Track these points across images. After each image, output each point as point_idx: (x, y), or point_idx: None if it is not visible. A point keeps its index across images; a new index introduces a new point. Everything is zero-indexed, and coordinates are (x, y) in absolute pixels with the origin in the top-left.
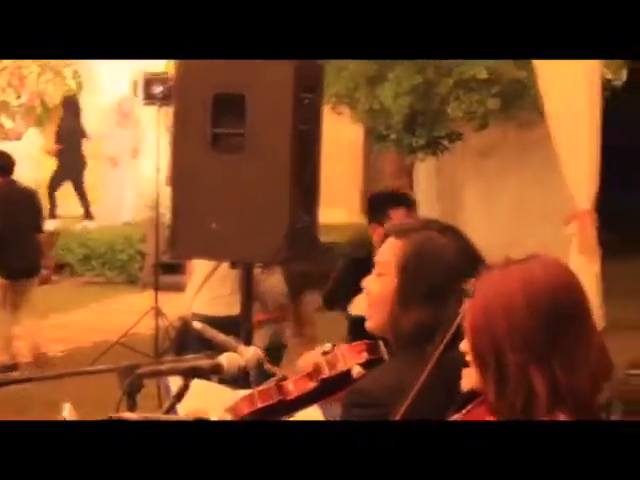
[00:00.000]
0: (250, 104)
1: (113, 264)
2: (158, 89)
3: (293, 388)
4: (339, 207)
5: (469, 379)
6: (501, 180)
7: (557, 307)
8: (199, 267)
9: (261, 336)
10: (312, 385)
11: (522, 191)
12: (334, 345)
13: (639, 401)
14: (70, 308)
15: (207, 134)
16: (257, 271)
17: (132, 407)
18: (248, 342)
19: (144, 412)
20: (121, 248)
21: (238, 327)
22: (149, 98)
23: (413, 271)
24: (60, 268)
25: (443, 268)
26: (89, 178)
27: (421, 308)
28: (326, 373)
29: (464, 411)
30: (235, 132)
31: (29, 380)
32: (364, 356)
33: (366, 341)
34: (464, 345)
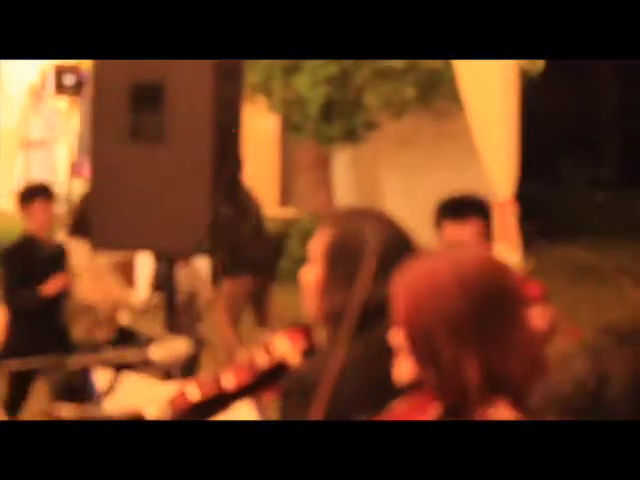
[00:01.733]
0: (169, 94)
1: None
2: (70, 80)
3: (232, 379)
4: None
5: (401, 370)
6: (420, 170)
7: (487, 292)
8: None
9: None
10: (251, 375)
11: (441, 181)
12: (271, 334)
13: None
14: None
15: (125, 124)
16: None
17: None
18: (175, 333)
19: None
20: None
21: None
22: (60, 88)
23: (334, 258)
24: None
25: (364, 254)
26: None
27: (345, 294)
28: (266, 361)
29: (405, 396)
30: (154, 122)
31: None
32: (300, 343)
33: (302, 327)
34: (393, 336)
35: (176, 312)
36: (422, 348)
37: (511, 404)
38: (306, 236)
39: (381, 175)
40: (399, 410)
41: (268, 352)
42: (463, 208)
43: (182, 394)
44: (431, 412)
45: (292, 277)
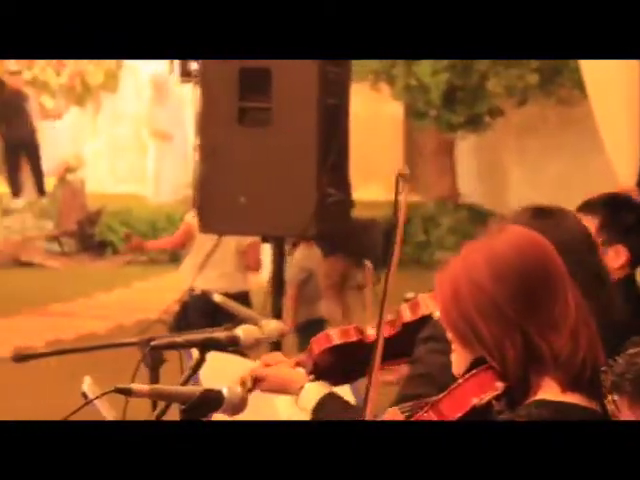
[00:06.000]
0: (276, 78)
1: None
2: (195, 65)
3: (372, 332)
4: (379, 184)
5: (456, 364)
6: (543, 158)
7: (524, 273)
8: (198, 243)
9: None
10: (393, 331)
11: (565, 169)
12: (416, 294)
13: None
14: (113, 287)
15: (233, 109)
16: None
17: (155, 380)
18: (278, 315)
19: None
20: (163, 227)
21: (248, 303)
22: (185, 75)
23: None
24: (103, 247)
25: None
26: (130, 159)
27: None
28: (408, 318)
29: (468, 375)
30: (261, 106)
31: (52, 354)
32: None
33: None
34: (448, 334)
35: (284, 293)
36: (466, 334)
37: (565, 383)
38: (429, 222)
39: (504, 162)
40: (464, 387)
41: (413, 308)
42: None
43: (326, 335)
44: (494, 390)
45: (414, 262)
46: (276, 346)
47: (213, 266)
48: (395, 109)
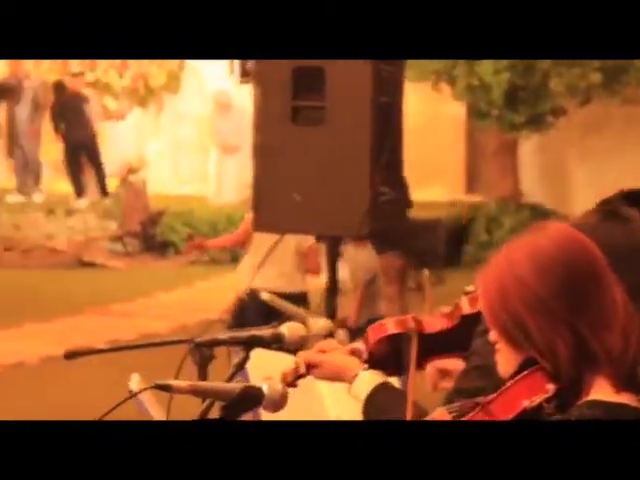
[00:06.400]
0: (329, 76)
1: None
2: (253, 65)
3: (431, 321)
4: (442, 184)
5: (503, 365)
6: (607, 158)
7: (569, 270)
8: (257, 242)
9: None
10: (451, 323)
11: (628, 169)
12: (476, 288)
13: None
14: (175, 287)
15: (287, 107)
16: (349, 246)
17: (203, 377)
18: (333, 314)
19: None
20: (224, 227)
21: (306, 304)
22: (245, 75)
23: None
24: (165, 247)
25: None
26: (192, 160)
27: None
28: (467, 310)
29: (519, 376)
30: (315, 105)
31: (103, 352)
32: None
33: None
34: (492, 334)
35: (338, 293)
36: (514, 335)
37: (618, 383)
38: (491, 222)
39: (567, 162)
40: (514, 389)
41: (472, 300)
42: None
43: (382, 324)
44: (545, 392)
45: (476, 262)
46: None
47: (272, 265)
48: (456, 109)
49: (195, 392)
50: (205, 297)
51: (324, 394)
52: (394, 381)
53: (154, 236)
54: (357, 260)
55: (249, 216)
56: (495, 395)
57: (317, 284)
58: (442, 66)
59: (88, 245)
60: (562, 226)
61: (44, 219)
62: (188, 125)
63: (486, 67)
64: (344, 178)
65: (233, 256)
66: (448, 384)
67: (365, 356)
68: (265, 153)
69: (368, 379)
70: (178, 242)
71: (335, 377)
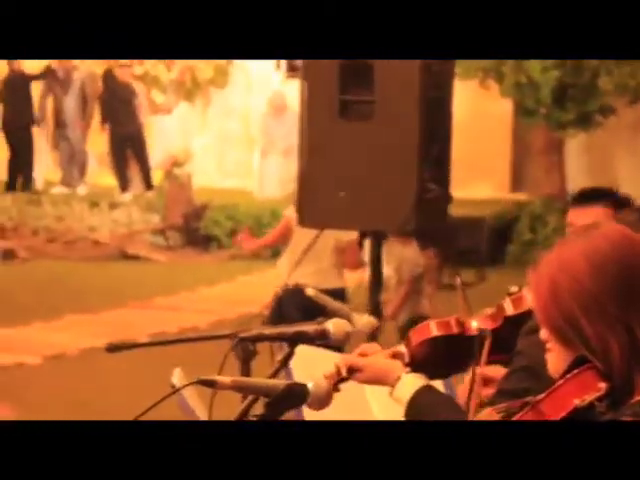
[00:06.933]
0: (378, 71)
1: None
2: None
3: (476, 325)
4: (487, 182)
5: (553, 364)
6: None
7: (625, 270)
8: (296, 239)
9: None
10: (495, 324)
11: None
12: (520, 288)
13: None
14: (217, 281)
15: (335, 102)
16: (395, 242)
17: (246, 373)
18: (376, 311)
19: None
20: (267, 222)
21: (344, 300)
22: (292, 70)
23: None
24: (208, 241)
25: None
26: (237, 154)
27: None
28: (510, 311)
29: (569, 375)
30: (363, 99)
31: (145, 345)
32: None
33: None
34: (543, 333)
35: (382, 288)
36: (567, 333)
37: None
38: (536, 220)
39: (615, 161)
40: (565, 388)
41: (516, 302)
42: (589, 196)
43: (425, 326)
44: (596, 390)
45: (520, 261)
46: (372, 340)
47: (309, 261)
48: (503, 107)
49: (239, 388)
50: (246, 291)
51: (369, 398)
52: (437, 384)
53: (197, 230)
54: (403, 256)
55: (288, 213)
56: (545, 394)
57: (356, 280)
58: (490, 63)
59: (131, 238)
60: (617, 226)
61: (88, 212)
62: (234, 120)
63: (534, 65)
64: (391, 173)
65: (274, 251)
66: (489, 391)
67: (407, 359)
68: (312, 148)
69: (411, 382)
70: (221, 236)
71: (377, 381)
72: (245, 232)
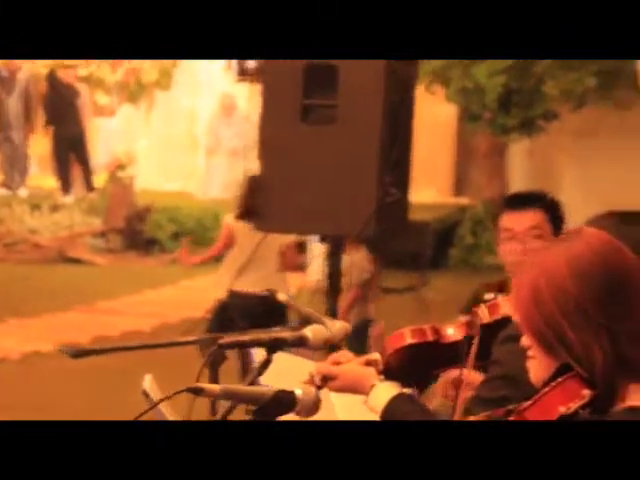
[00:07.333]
0: (342, 74)
1: (202, 241)
2: (252, 63)
3: (452, 333)
4: (430, 186)
5: (535, 371)
6: (597, 164)
7: (607, 276)
8: (240, 244)
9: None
10: (470, 332)
11: (619, 175)
12: (495, 295)
13: None
14: (159, 284)
15: (297, 106)
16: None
17: (214, 379)
18: (333, 316)
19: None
20: (210, 225)
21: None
22: (242, 74)
23: None
24: (150, 244)
25: None
26: (180, 157)
27: None
28: (486, 319)
29: (554, 383)
30: (326, 103)
31: (110, 351)
32: None
33: None
34: (525, 340)
35: (340, 295)
36: (549, 339)
37: None
38: (478, 225)
39: (557, 167)
40: (550, 396)
41: (492, 309)
42: (523, 200)
43: (400, 334)
44: (581, 398)
45: (462, 265)
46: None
47: (255, 267)
48: (448, 111)
49: (227, 396)
50: (189, 295)
51: (336, 405)
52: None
53: (140, 233)
54: (353, 261)
55: (228, 220)
56: (530, 402)
57: (298, 284)
58: (438, 67)
59: (72, 241)
60: (598, 232)
61: (29, 214)
62: (178, 122)
63: (481, 70)
64: (352, 178)
65: (218, 256)
66: (467, 393)
67: (381, 366)
68: (272, 152)
69: (385, 390)
70: (164, 239)
71: (351, 389)
72: (184, 249)
